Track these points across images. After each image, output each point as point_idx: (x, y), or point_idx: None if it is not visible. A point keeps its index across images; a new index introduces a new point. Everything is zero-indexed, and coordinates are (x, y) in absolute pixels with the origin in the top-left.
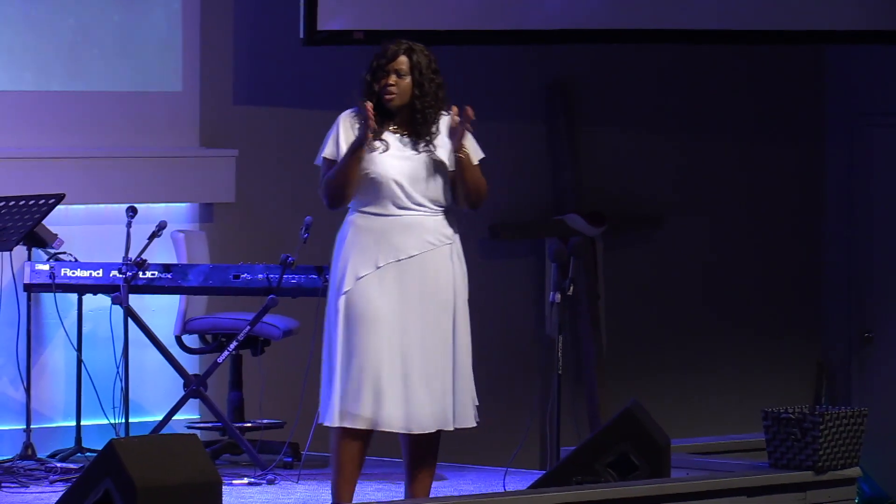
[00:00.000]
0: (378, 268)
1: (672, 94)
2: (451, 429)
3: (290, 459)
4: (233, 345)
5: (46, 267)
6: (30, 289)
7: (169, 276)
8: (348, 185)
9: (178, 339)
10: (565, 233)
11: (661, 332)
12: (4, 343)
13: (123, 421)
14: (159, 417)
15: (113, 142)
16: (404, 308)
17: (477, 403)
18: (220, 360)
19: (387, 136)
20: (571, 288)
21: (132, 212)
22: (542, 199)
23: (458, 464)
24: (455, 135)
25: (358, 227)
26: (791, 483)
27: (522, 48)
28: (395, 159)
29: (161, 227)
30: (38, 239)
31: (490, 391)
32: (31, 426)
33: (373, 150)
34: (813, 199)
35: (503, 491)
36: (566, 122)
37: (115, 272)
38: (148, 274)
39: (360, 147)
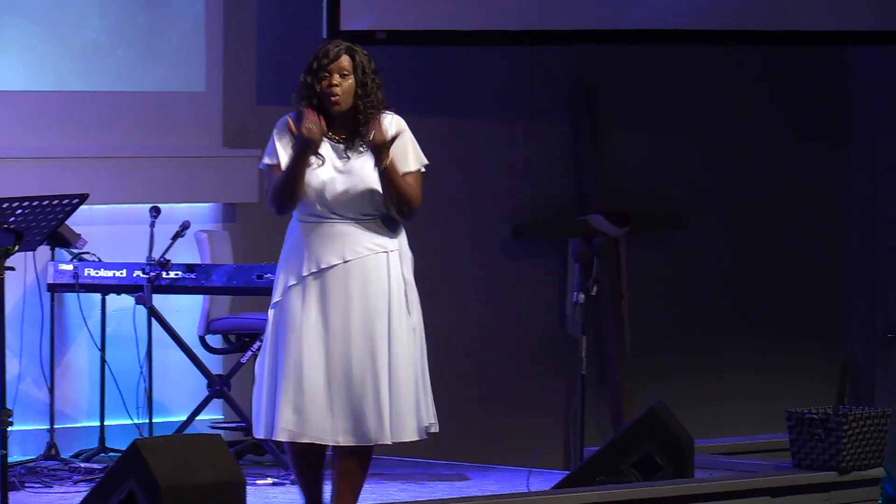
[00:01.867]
0: (303, 277)
1: (695, 95)
2: (389, 442)
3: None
4: (256, 345)
5: (70, 267)
6: (53, 289)
7: (192, 276)
8: (294, 192)
9: (202, 339)
10: (588, 233)
11: (684, 332)
12: (28, 343)
13: (147, 421)
14: (183, 418)
15: (136, 142)
16: (326, 318)
17: (432, 420)
18: (243, 360)
19: (323, 147)
20: (595, 288)
21: (155, 212)
22: (565, 199)
23: (482, 464)
24: (374, 150)
25: (292, 235)
26: (815, 483)
27: (545, 49)
28: (325, 172)
29: (184, 227)
30: (61, 239)
31: (513, 392)
32: (55, 426)
33: (308, 165)
34: (836, 200)
35: (527, 491)
36: (589, 122)
37: (138, 272)
38: (171, 274)
39: (305, 154)
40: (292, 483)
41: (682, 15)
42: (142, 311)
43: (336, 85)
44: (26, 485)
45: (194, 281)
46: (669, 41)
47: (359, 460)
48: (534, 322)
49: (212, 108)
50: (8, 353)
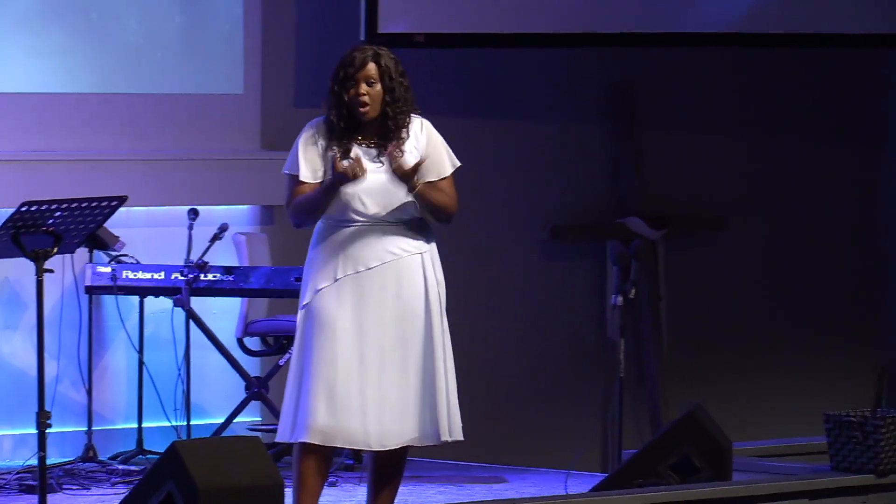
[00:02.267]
0: (336, 280)
1: (733, 97)
2: (441, 442)
3: (351, 462)
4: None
5: (108, 269)
6: (91, 291)
7: (230, 278)
8: (318, 214)
9: (240, 342)
10: (626, 236)
11: (722, 334)
12: (66, 345)
13: (185, 423)
14: (221, 420)
15: (174, 144)
16: (362, 320)
17: (459, 424)
18: (281, 362)
19: (355, 149)
20: (633, 291)
21: (194, 214)
22: (603, 201)
23: (520, 466)
24: (403, 176)
25: (322, 237)
26: (852, 486)
27: (584, 51)
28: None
29: (222, 229)
30: (99, 241)
31: (551, 394)
32: (93, 428)
33: (341, 166)
34: (874, 202)
35: (565, 494)
36: (628, 124)
37: (176, 274)
38: (209, 276)
39: (336, 188)
40: (330, 485)
41: (720, 18)
42: (180, 313)
43: (364, 94)
44: (64, 487)
45: (232, 283)
46: (708, 44)
47: (395, 463)
48: (572, 324)
49: (250, 110)
50: (46, 355)
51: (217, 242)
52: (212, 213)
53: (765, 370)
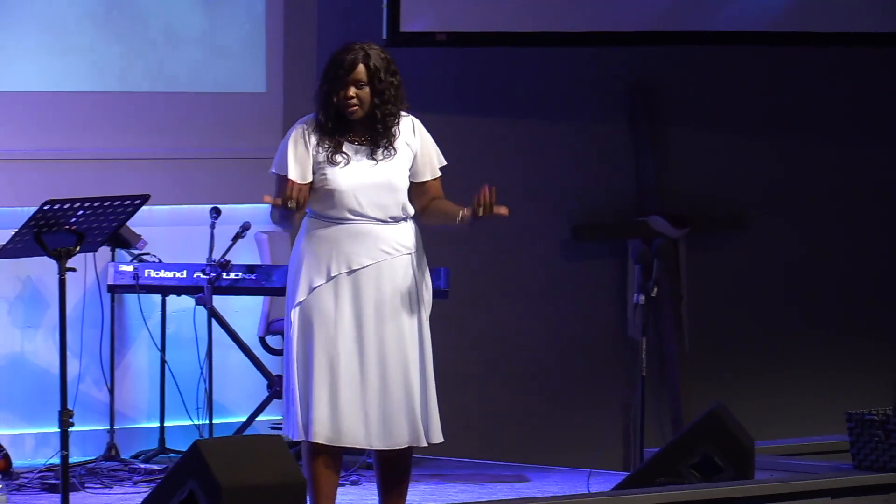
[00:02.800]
0: (331, 278)
1: (756, 96)
2: (424, 445)
3: (372, 460)
4: None
5: (130, 268)
6: (113, 290)
7: (253, 277)
8: (292, 226)
9: (262, 340)
10: (648, 234)
11: (744, 333)
12: (88, 344)
13: (207, 422)
14: (243, 418)
15: (197, 143)
16: (359, 318)
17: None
18: None
19: (346, 147)
20: (655, 290)
21: (216, 213)
22: (625, 200)
23: (542, 465)
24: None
25: (313, 235)
26: (875, 485)
27: (605, 49)
28: (353, 172)
29: (245, 228)
30: (121, 240)
31: (573, 393)
32: (115, 427)
33: (334, 163)
34: None
35: (587, 492)
36: (649, 123)
37: (198, 273)
38: (232, 275)
39: (290, 215)
40: (352, 484)
41: (743, 16)
42: (202, 311)
43: (352, 97)
44: (86, 485)
45: (254, 282)
46: (731, 42)
47: (401, 463)
48: (593, 323)
49: (272, 108)
50: (68, 354)
51: (239, 241)
52: (234, 212)
53: (787, 368)
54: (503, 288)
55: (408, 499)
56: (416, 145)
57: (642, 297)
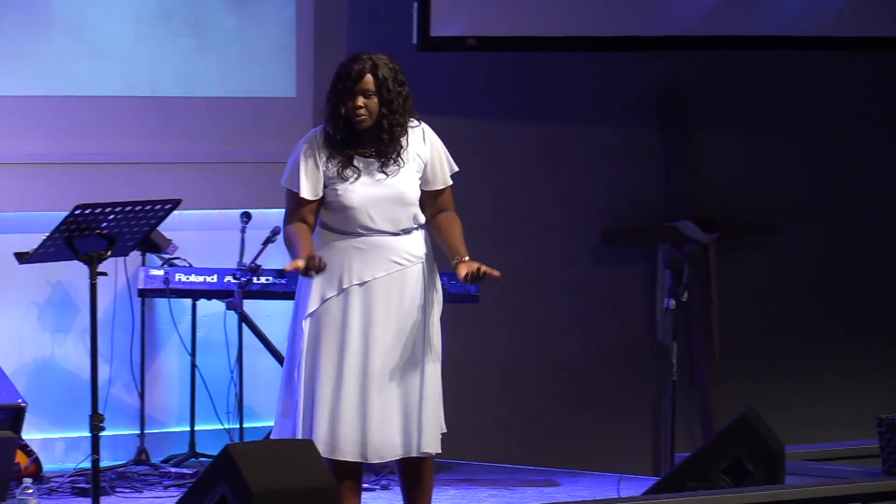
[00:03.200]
0: (343, 290)
1: (786, 100)
2: (414, 454)
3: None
4: None
5: (161, 272)
6: (144, 294)
7: (283, 281)
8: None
9: None
10: (678, 239)
11: (774, 338)
12: (119, 348)
13: (237, 426)
14: (273, 422)
15: (227, 147)
16: (369, 331)
17: (444, 430)
18: None
19: (356, 160)
20: (685, 294)
21: (246, 217)
22: (655, 205)
23: (572, 469)
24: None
25: (325, 247)
26: None
27: (636, 54)
28: (364, 187)
29: (275, 232)
30: (152, 244)
31: (603, 398)
32: (145, 431)
33: (345, 178)
34: None
35: (617, 497)
36: (680, 128)
37: (229, 277)
38: (262, 279)
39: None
40: (382, 489)
41: (773, 21)
42: (232, 316)
43: (361, 107)
44: (117, 490)
45: (284, 286)
46: (760, 47)
47: (422, 470)
48: (623, 328)
49: (303, 113)
50: (99, 358)
51: (269, 245)
52: (264, 217)
53: (817, 373)
54: (534, 292)
55: (439, 503)
56: (426, 155)
57: (673, 302)
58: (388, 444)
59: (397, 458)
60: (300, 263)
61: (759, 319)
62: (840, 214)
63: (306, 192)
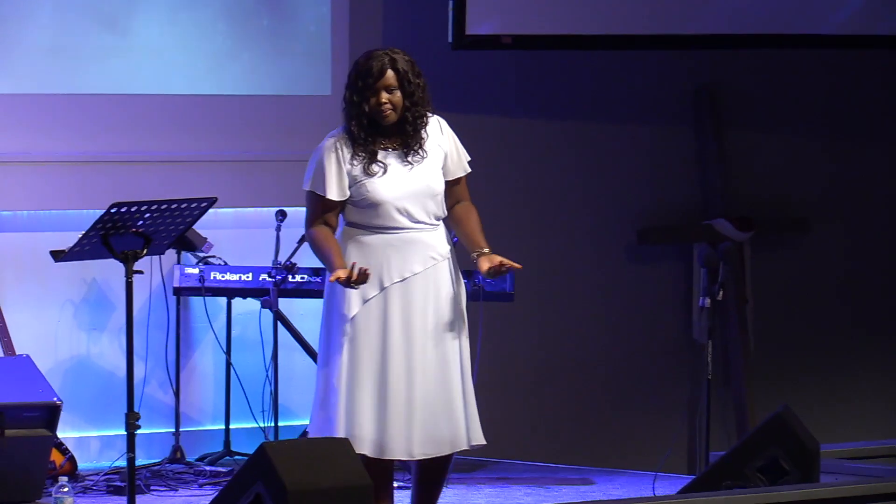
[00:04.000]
0: (384, 288)
1: (821, 99)
2: (466, 447)
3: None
4: None
5: (196, 270)
6: (179, 292)
7: (318, 279)
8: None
9: None
10: (713, 238)
11: (809, 336)
12: (154, 346)
13: (272, 424)
14: (308, 421)
15: (262, 146)
16: (409, 327)
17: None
18: None
19: (380, 155)
20: (721, 293)
21: (282, 215)
22: (690, 203)
23: (608, 468)
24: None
25: (358, 245)
26: None
27: (670, 52)
28: (393, 181)
29: None
30: (187, 242)
31: (638, 396)
32: (180, 429)
33: (371, 174)
34: None
35: (652, 496)
36: (714, 126)
37: (264, 276)
38: (297, 278)
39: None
40: None
41: (805, 19)
42: (267, 314)
43: (385, 102)
44: (151, 488)
45: (320, 284)
46: (793, 46)
47: (441, 469)
48: (658, 326)
49: (338, 111)
50: (134, 356)
51: (305, 244)
52: (300, 215)
53: (852, 372)
54: (568, 290)
55: (468, 501)
56: (446, 145)
57: (708, 301)
58: (435, 441)
59: (445, 454)
60: (342, 275)
61: (793, 318)
62: (874, 213)
63: (333, 193)
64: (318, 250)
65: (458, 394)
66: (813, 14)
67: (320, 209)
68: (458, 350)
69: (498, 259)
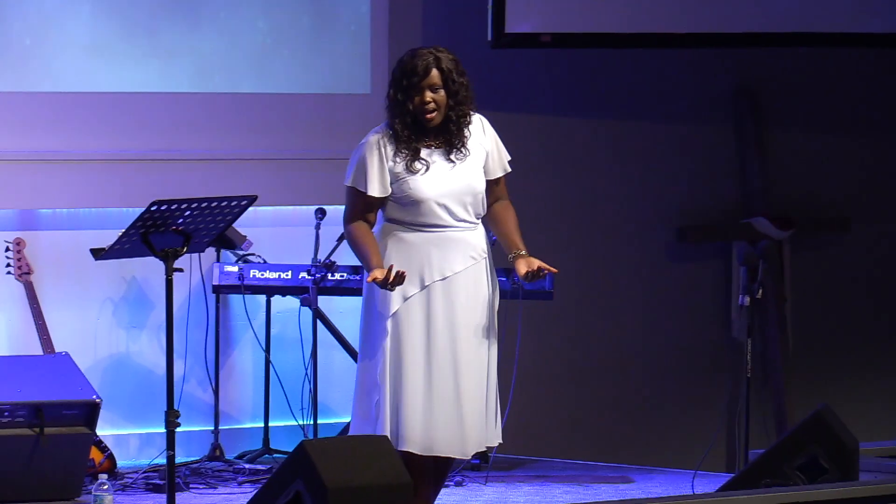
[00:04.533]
0: (425, 287)
1: (860, 98)
2: (488, 445)
3: (477, 461)
4: None
5: (235, 269)
6: (218, 290)
7: (357, 277)
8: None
9: None
10: (752, 236)
11: (848, 335)
12: (193, 344)
13: (312, 422)
14: (347, 419)
15: (302, 144)
16: (452, 327)
17: (503, 422)
18: None
19: (423, 152)
20: (760, 291)
21: (321, 214)
22: (730, 202)
23: (647, 466)
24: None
25: (399, 241)
26: None
27: (710, 51)
28: (435, 178)
29: None
30: (227, 240)
31: (677, 394)
32: (219, 427)
33: (414, 171)
34: None
35: (692, 493)
36: (754, 125)
37: (303, 274)
38: (336, 276)
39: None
40: (456, 485)
41: (846, 18)
42: (307, 312)
43: (429, 101)
44: (191, 486)
45: (359, 283)
46: (833, 44)
47: (443, 469)
48: (698, 324)
49: (377, 110)
50: (173, 354)
51: (344, 242)
52: (339, 213)
53: (891, 370)
54: (608, 289)
55: (508, 500)
56: (488, 144)
57: (747, 299)
58: (478, 439)
59: (480, 450)
60: (379, 276)
61: (832, 316)
62: None
63: (375, 189)
64: (356, 247)
65: (492, 393)
66: (854, 12)
67: (361, 205)
68: (492, 350)
69: (536, 263)
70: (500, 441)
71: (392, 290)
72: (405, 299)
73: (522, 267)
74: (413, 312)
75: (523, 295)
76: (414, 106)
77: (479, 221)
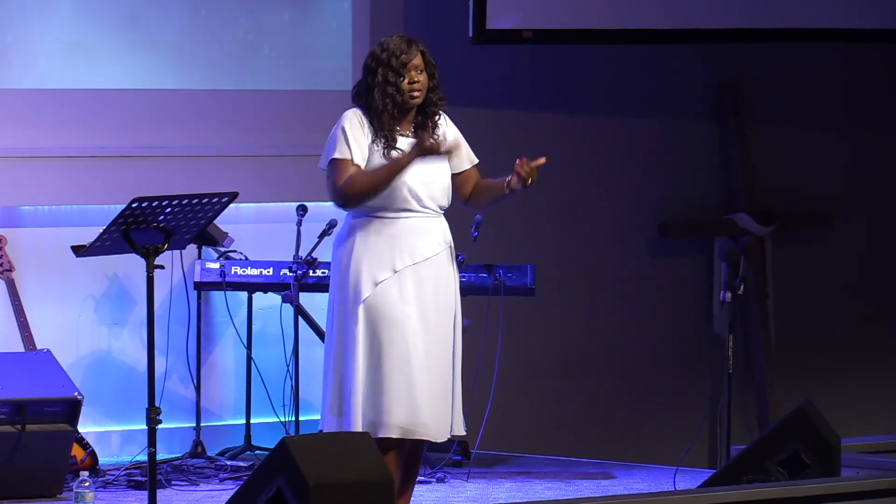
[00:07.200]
0: (395, 272)
1: (841, 93)
2: (455, 434)
3: (459, 458)
4: None
5: (217, 265)
6: (200, 287)
7: None
8: (376, 195)
9: None
10: (734, 232)
11: (830, 330)
12: (175, 341)
13: (293, 419)
14: None
15: (283, 140)
16: (423, 312)
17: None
18: None
19: (399, 140)
20: (742, 287)
21: (302, 210)
22: (712, 197)
23: (628, 462)
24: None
25: (369, 231)
26: None
27: (693, 47)
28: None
29: (331, 225)
30: (208, 237)
31: (659, 390)
32: (201, 424)
33: (388, 159)
34: None
35: (673, 489)
36: (736, 120)
37: (285, 270)
38: (318, 272)
39: (408, 164)
40: (438, 481)
41: (827, 13)
42: (288, 309)
43: (416, 81)
44: (172, 482)
45: None
46: (815, 40)
47: (419, 456)
48: (679, 320)
49: None
50: (155, 351)
51: (325, 238)
52: (320, 210)
53: (873, 366)
54: (589, 284)
55: (490, 497)
56: (451, 137)
57: (729, 295)
58: (447, 424)
59: (446, 438)
60: (425, 141)
61: (814, 312)
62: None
63: (358, 158)
64: (371, 179)
65: (458, 380)
66: (836, 8)
67: (347, 172)
68: (457, 337)
69: (526, 167)
70: (465, 432)
71: (445, 152)
72: (376, 284)
73: (517, 174)
74: (386, 296)
75: (505, 291)
76: (397, 86)
77: (444, 212)
